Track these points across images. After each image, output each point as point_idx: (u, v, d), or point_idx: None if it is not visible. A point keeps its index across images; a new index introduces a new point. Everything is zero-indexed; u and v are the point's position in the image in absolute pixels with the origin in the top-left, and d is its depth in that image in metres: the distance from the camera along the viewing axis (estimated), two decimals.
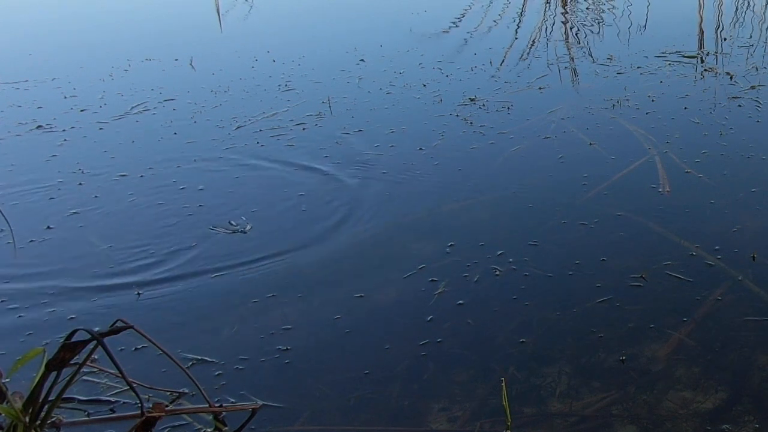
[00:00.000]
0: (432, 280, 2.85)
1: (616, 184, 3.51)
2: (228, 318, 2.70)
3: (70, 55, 5.97)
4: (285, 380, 2.39)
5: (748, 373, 2.33)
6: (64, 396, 1.98)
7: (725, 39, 5.61)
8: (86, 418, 2.24)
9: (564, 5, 6.92)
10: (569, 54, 5.48)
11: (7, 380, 1.98)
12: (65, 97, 4.94)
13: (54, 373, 1.91)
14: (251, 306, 2.76)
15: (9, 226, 3.05)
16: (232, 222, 3.02)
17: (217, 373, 2.42)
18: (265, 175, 3.76)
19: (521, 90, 4.74)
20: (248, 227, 2.96)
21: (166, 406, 2.12)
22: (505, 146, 3.95)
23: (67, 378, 1.92)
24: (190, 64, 5.57)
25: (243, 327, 2.64)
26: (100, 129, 4.42)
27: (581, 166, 3.68)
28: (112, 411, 2.26)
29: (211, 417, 2.21)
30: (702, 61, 5.13)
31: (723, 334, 2.50)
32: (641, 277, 2.81)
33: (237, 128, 4.34)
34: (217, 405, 2.21)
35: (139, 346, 2.52)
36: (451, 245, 3.06)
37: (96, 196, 3.60)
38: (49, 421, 2.01)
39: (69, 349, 1.90)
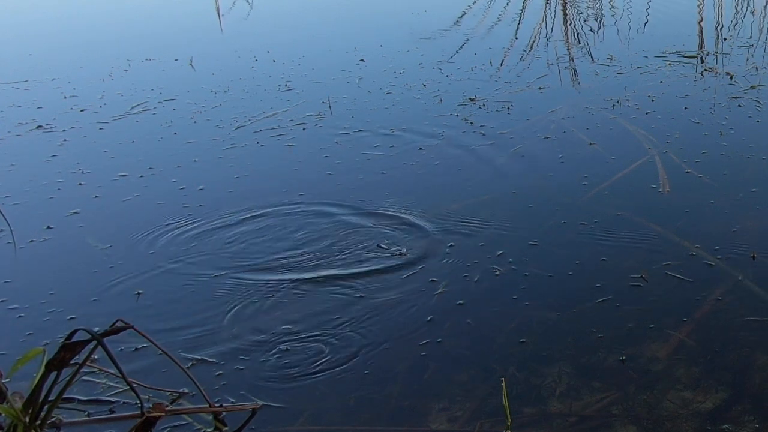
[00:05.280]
0: (432, 280, 2.85)
1: (616, 184, 3.51)
2: (226, 317, 2.70)
3: (70, 55, 5.97)
4: (285, 380, 2.39)
5: (748, 373, 2.33)
6: (64, 396, 1.98)
7: (725, 39, 5.61)
8: (86, 418, 2.24)
9: (564, 5, 6.92)
10: (569, 54, 5.48)
11: (7, 380, 1.98)
12: (65, 97, 4.94)
13: (54, 373, 1.91)
14: (251, 305, 2.76)
15: (9, 226, 3.05)
16: (382, 245, 3.04)
17: (217, 373, 2.43)
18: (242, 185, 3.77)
19: (521, 90, 4.74)
20: (404, 250, 2.99)
21: (166, 406, 2.12)
22: (505, 146, 3.95)
23: (67, 378, 1.92)
24: (190, 64, 5.57)
25: (243, 327, 2.64)
26: (100, 129, 4.42)
27: (581, 166, 3.68)
28: (112, 411, 2.26)
29: (211, 417, 2.21)
30: (702, 61, 5.13)
31: (723, 334, 2.50)
32: (641, 277, 2.81)
33: (237, 128, 4.34)
34: (217, 405, 2.21)
35: (139, 346, 2.52)
36: (451, 245, 3.06)
37: (96, 196, 3.60)
38: (49, 421, 2.01)
39: (69, 349, 1.90)
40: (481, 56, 5.42)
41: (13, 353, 2.48)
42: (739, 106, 4.32)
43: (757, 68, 4.93)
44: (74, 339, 1.91)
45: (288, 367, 2.45)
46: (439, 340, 2.54)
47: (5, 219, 2.96)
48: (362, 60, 5.46)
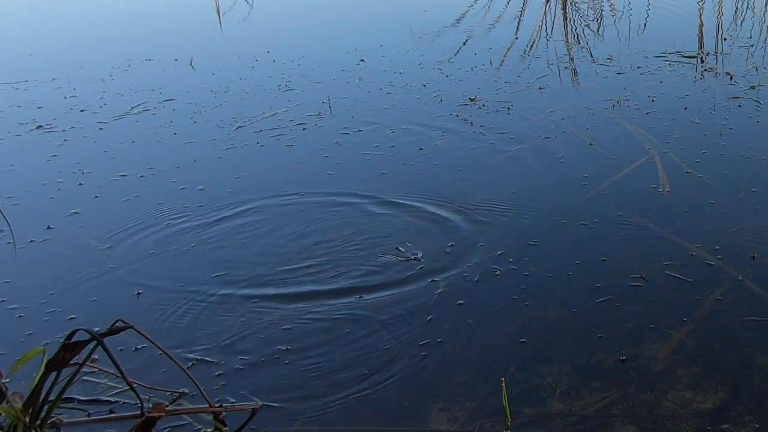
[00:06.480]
0: (432, 280, 2.85)
1: (616, 184, 3.51)
2: (227, 317, 2.70)
3: (70, 55, 5.97)
4: (285, 380, 2.39)
5: (748, 373, 2.33)
6: (64, 396, 1.98)
7: (725, 39, 5.61)
8: (86, 418, 2.24)
9: (564, 5, 6.92)
10: (569, 54, 5.49)
11: (7, 380, 1.98)
12: (65, 97, 4.95)
13: (54, 373, 1.91)
14: (251, 305, 2.76)
15: (9, 226, 3.05)
16: (401, 248, 3.03)
17: (217, 373, 2.43)
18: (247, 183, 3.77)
19: (521, 90, 4.74)
20: (420, 255, 2.97)
21: (166, 406, 2.12)
22: (505, 146, 3.95)
23: (67, 378, 1.92)
24: (190, 64, 5.57)
25: (243, 327, 2.64)
26: (100, 129, 4.42)
27: (581, 166, 3.68)
28: (112, 411, 2.26)
29: (211, 417, 2.21)
30: (702, 61, 5.13)
31: (723, 334, 2.50)
32: (641, 277, 2.81)
33: (237, 128, 4.34)
34: (217, 405, 2.21)
35: (139, 346, 2.52)
36: (451, 245, 3.06)
37: (96, 196, 3.60)
38: (49, 421, 2.01)
39: (69, 349, 1.90)
40: (481, 56, 5.43)
41: (13, 353, 2.48)
42: (739, 106, 4.32)
43: (757, 68, 4.93)
44: (74, 339, 1.91)
45: (288, 367, 2.45)
46: (439, 340, 2.54)
47: (5, 219, 2.96)
48: (362, 60, 5.46)
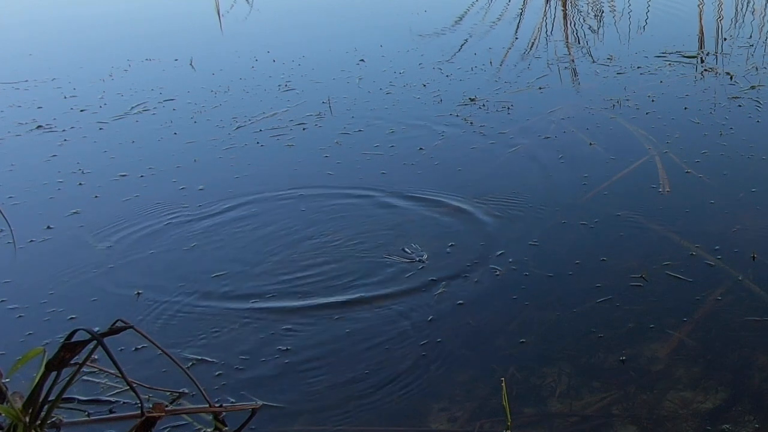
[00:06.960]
0: (432, 280, 2.85)
1: (616, 184, 3.51)
2: (225, 316, 2.70)
3: (70, 55, 5.97)
4: (285, 380, 2.39)
5: (748, 373, 2.33)
6: (64, 396, 1.98)
7: (725, 39, 5.61)
8: (86, 418, 2.24)
9: (564, 5, 6.92)
10: (569, 54, 5.49)
11: (7, 380, 1.98)
12: (65, 97, 4.94)
13: (54, 373, 1.91)
14: (251, 305, 2.76)
15: (9, 226, 3.05)
16: (407, 250, 3.03)
17: (217, 373, 2.43)
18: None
19: (521, 90, 4.74)
20: (425, 257, 2.96)
21: (166, 406, 2.12)
22: (505, 146, 3.95)
23: (67, 378, 1.92)
24: (190, 64, 5.57)
25: (243, 327, 2.64)
26: (100, 129, 4.42)
27: (581, 166, 3.68)
28: (112, 411, 2.26)
29: (211, 417, 2.21)
30: (702, 61, 5.13)
31: (723, 334, 2.50)
32: (641, 277, 2.81)
33: (237, 128, 4.34)
34: (217, 405, 2.21)
35: (139, 346, 2.52)
36: (451, 245, 3.06)
37: (96, 196, 3.60)
38: (49, 421, 2.01)
39: (69, 349, 1.90)
40: (481, 56, 5.43)
41: (13, 353, 2.48)
42: (739, 106, 4.32)
43: (757, 68, 4.93)
44: (74, 339, 1.91)
45: (288, 366, 2.45)
46: (439, 340, 2.54)
47: (5, 219, 2.96)
48: (362, 60, 5.46)
